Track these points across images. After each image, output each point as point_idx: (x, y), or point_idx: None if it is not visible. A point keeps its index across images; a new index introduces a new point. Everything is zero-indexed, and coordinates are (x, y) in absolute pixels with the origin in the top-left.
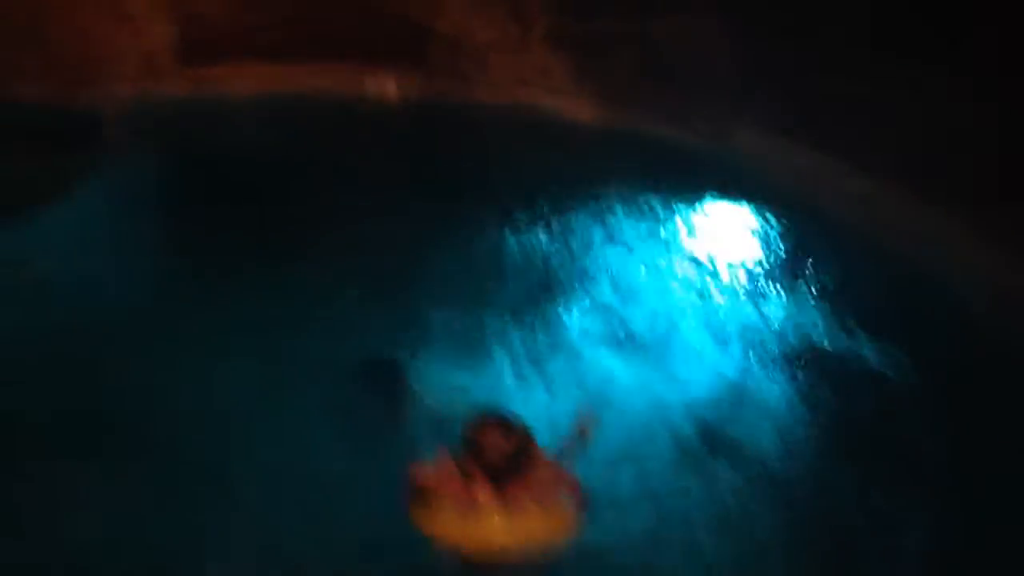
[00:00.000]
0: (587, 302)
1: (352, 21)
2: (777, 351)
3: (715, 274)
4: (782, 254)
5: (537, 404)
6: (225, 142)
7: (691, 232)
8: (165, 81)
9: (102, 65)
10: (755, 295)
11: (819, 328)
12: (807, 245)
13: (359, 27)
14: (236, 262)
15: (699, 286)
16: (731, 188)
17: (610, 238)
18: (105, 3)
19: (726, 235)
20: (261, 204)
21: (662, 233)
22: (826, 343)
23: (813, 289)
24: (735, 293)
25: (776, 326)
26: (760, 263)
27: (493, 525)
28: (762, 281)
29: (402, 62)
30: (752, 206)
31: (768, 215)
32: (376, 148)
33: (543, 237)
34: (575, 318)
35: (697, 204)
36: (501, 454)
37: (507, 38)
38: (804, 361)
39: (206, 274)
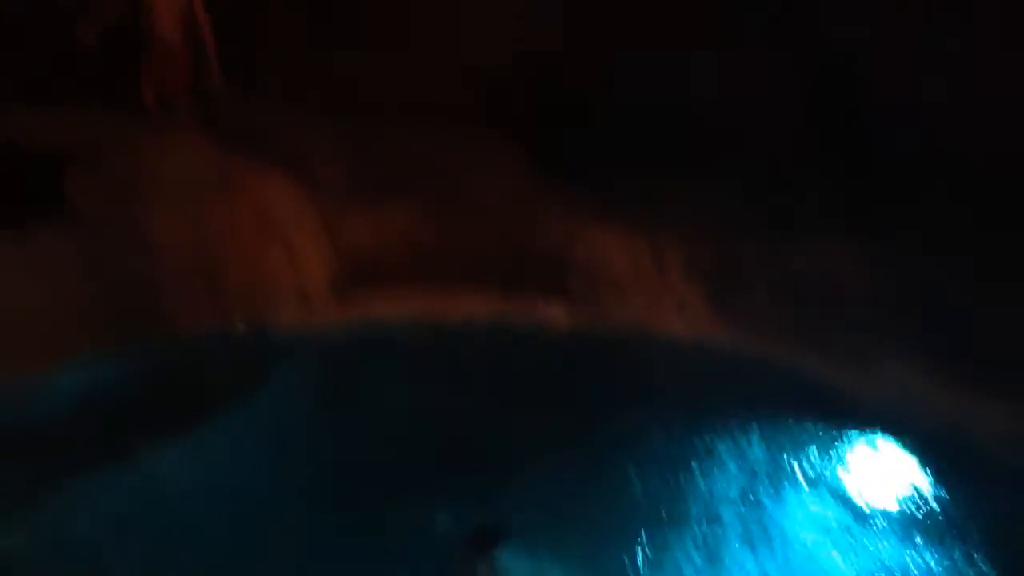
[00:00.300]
0: (721, 540)
1: (497, 253)
2: None
3: (859, 514)
4: (930, 495)
5: None
6: (376, 366)
7: (832, 468)
8: (321, 310)
9: (262, 294)
10: (902, 540)
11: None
12: (957, 486)
13: (503, 258)
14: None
15: (841, 527)
16: (875, 422)
17: (747, 471)
18: (267, 236)
19: (869, 472)
20: (410, 421)
21: (801, 467)
22: None
23: (963, 534)
24: (879, 536)
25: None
26: (907, 504)
27: None
28: (909, 525)
29: (543, 291)
30: (897, 442)
31: (915, 453)
32: (517, 372)
33: (677, 467)
34: (707, 557)
35: (839, 438)
36: None
37: (643, 268)
38: None
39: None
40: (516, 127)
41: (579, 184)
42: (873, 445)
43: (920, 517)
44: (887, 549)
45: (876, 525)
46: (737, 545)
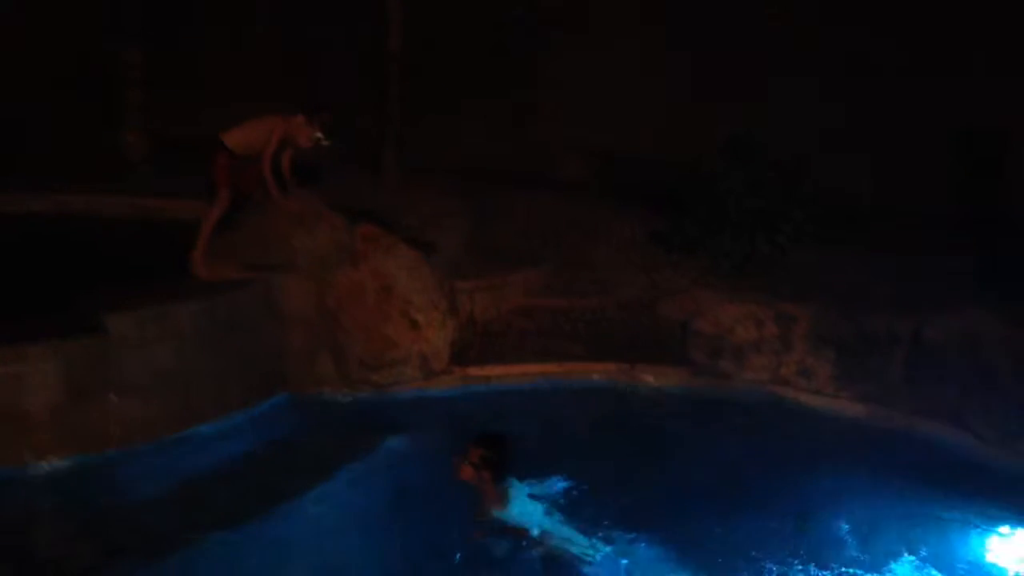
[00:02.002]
0: None
1: (618, 321)
2: None
3: None
4: None
5: None
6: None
7: (978, 549)
8: (440, 378)
9: (386, 365)
10: None
11: None
12: None
13: (625, 326)
14: None
15: None
16: (1014, 497)
17: (885, 549)
18: (394, 311)
19: (1018, 555)
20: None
21: (945, 547)
22: None
23: None
24: None
25: None
26: None
27: None
28: None
29: (666, 360)
30: None
31: None
32: (636, 437)
33: (795, 534)
34: None
35: (983, 517)
36: None
37: (767, 337)
38: None
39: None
40: (639, 200)
41: (700, 254)
42: (1009, 521)
43: None
44: None
45: None
46: None
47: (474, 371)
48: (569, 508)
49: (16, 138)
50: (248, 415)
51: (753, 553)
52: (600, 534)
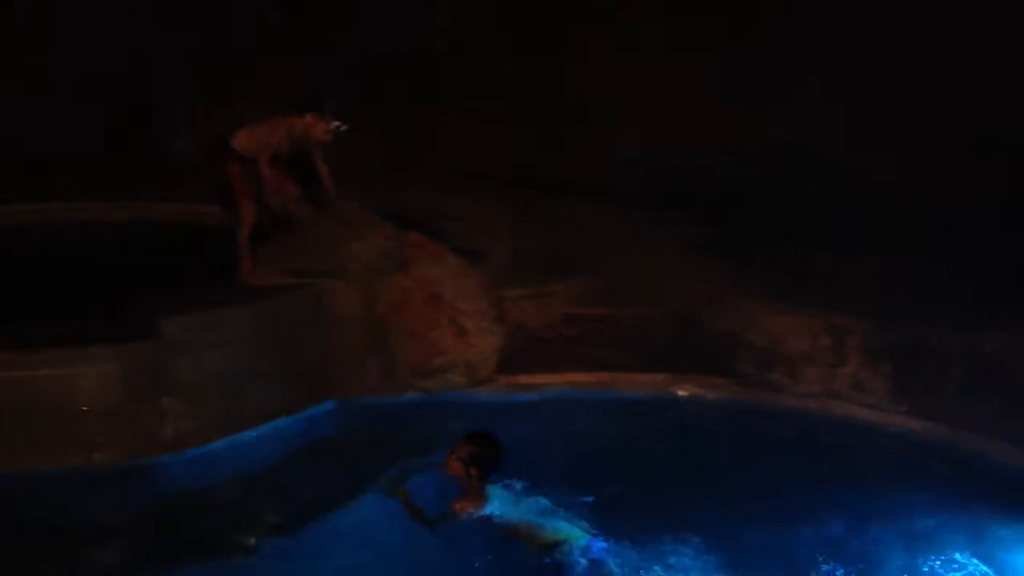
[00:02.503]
0: None
1: (668, 331)
2: None
3: None
4: None
5: None
6: (539, 439)
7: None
8: (487, 385)
9: (433, 371)
10: None
11: None
12: None
13: (672, 336)
14: None
15: None
16: None
17: (939, 566)
18: (442, 318)
19: None
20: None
21: (999, 565)
22: None
23: None
24: None
25: None
26: None
27: None
28: None
29: (714, 370)
30: None
31: None
32: (683, 450)
33: (846, 552)
34: None
35: None
36: None
37: (820, 349)
38: None
39: None
40: (689, 207)
41: (750, 262)
42: None
43: None
44: None
45: None
46: None
47: (521, 379)
48: (601, 518)
49: (67, 141)
50: (297, 419)
51: (802, 570)
52: (635, 546)
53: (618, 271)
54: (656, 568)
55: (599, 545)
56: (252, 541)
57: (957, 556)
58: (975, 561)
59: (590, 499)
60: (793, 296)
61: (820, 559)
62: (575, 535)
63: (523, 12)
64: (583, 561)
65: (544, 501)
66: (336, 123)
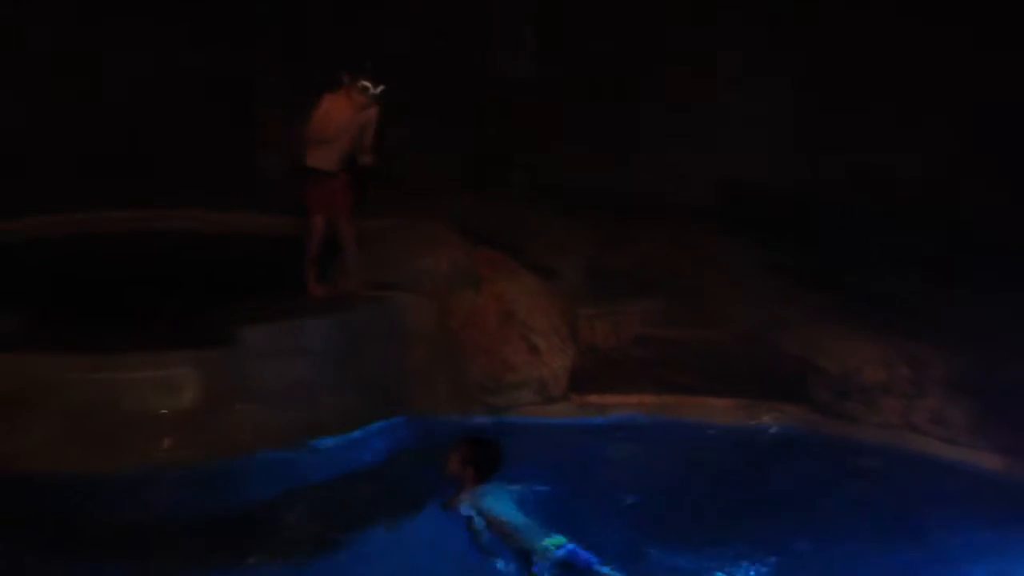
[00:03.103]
0: None
1: (738, 355)
2: None
3: None
4: None
5: None
6: (604, 460)
7: None
8: (558, 404)
9: (504, 388)
10: None
11: None
12: None
13: (744, 361)
14: None
15: None
16: None
17: None
18: (515, 335)
19: None
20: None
21: None
22: None
23: None
24: None
25: None
26: None
27: None
28: None
29: (786, 397)
30: None
31: None
32: (755, 476)
33: None
34: None
35: None
36: None
37: (898, 380)
38: None
39: None
40: (766, 230)
41: (827, 288)
42: None
43: None
44: None
45: None
46: None
47: (592, 399)
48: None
49: (158, 150)
50: (369, 430)
51: None
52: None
53: (692, 293)
54: None
55: (584, 555)
56: (314, 548)
57: None
58: None
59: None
60: (871, 323)
61: None
62: (558, 542)
63: (603, 35)
64: (554, 569)
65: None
66: (367, 85)
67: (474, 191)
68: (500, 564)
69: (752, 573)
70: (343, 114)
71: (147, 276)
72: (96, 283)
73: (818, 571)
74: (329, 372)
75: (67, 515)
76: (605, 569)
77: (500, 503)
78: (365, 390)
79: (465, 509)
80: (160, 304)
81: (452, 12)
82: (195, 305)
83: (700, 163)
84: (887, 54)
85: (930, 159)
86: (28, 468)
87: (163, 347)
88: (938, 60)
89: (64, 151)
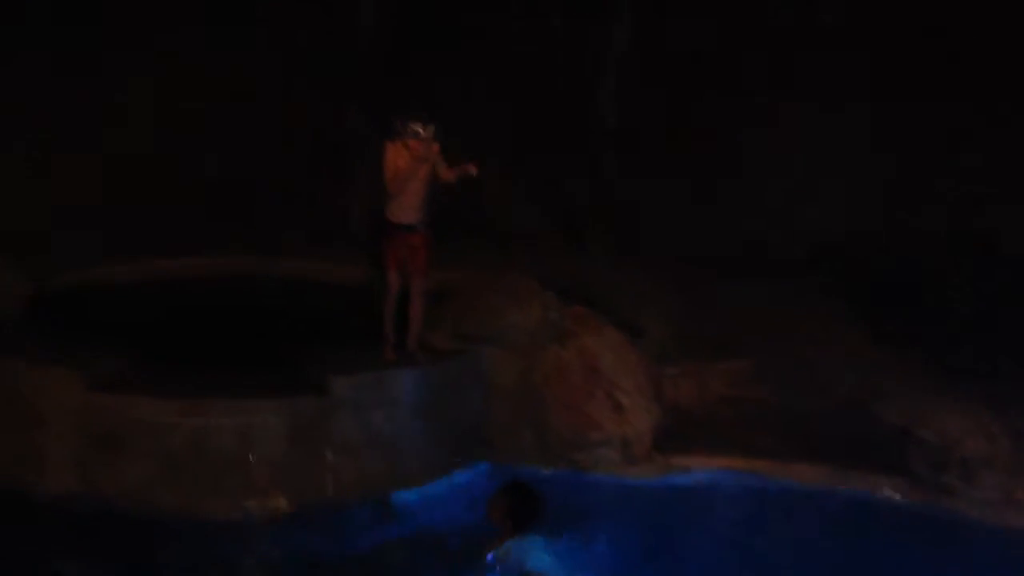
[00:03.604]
0: None
1: (829, 419)
2: None
3: None
4: None
5: None
6: (691, 521)
7: None
8: (641, 464)
9: (588, 445)
10: None
11: None
12: None
13: (836, 426)
14: None
15: None
16: None
17: None
18: (593, 384)
19: None
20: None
21: None
22: None
23: None
24: None
25: None
26: None
27: None
28: None
29: (882, 467)
30: None
31: None
32: (841, 550)
33: None
34: None
35: None
36: None
37: (1000, 453)
38: None
39: None
40: (861, 292)
41: (923, 354)
42: None
43: None
44: None
45: None
46: None
47: (676, 459)
48: None
49: (244, 200)
50: (451, 482)
51: None
52: None
53: (781, 354)
54: None
55: None
56: None
57: None
58: None
59: None
60: (972, 393)
61: None
62: None
63: (694, 91)
64: None
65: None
66: (417, 129)
67: (563, 245)
68: None
69: None
70: (405, 162)
71: (242, 321)
72: (192, 327)
73: None
74: (413, 423)
75: (153, 554)
76: None
77: (542, 562)
78: (449, 440)
79: (506, 570)
80: (253, 350)
81: (551, 67)
82: (287, 352)
83: (791, 221)
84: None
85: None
86: (122, 507)
87: (253, 394)
88: None
89: (167, 195)
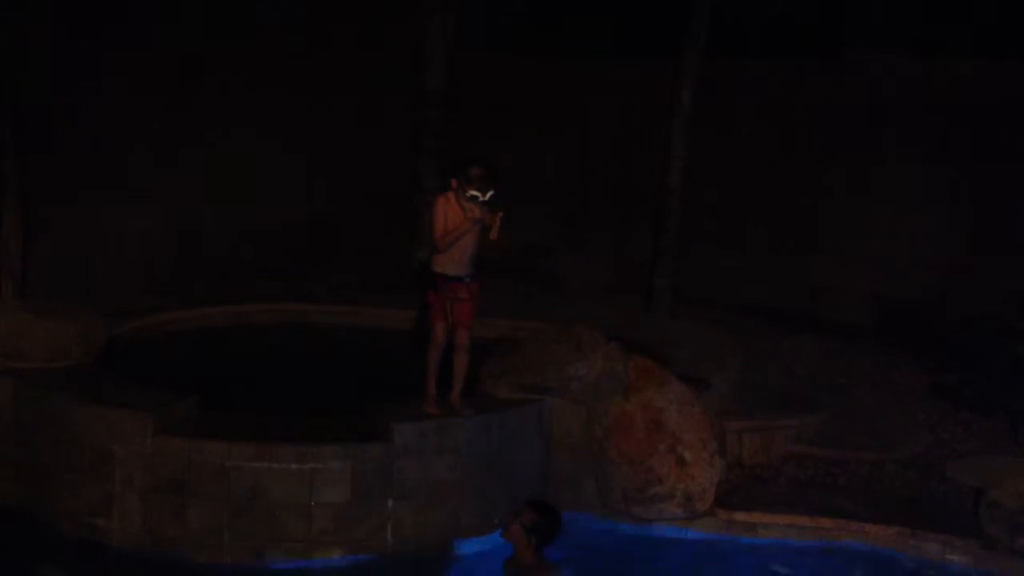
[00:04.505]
0: None
1: (898, 479)
2: None
3: None
4: None
5: None
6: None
7: None
8: (704, 520)
9: (649, 499)
10: None
11: None
12: None
13: (906, 486)
14: None
15: None
16: None
17: None
18: (662, 446)
19: None
20: None
21: None
22: None
23: None
24: None
25: None
26: None
27: None
28: None
29: (954, 529)
30: None
31: None
32: None
33: None
34: None
35: None
36: None
37: None
38: None
39: None
40: (923, 348)
41: (997, 415)
42: None
43: None
44: None
45: None
46: None
47: (740, 516)
48: None
49: (325, 246)
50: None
51: None
52: None
53: (848, 412)
54: None
55: None
56: None
57: None
58: None
59: None
60: None
61: None
62: None
63: (763, 143)
64: None
65: None
66: (474, 193)
67: (626, 297)
68: None
69: None
70: (456, 216)
71: (307, 368)
72: (257, 372)
73: None
74: (474, 473)
75: None
76: None
77: None
78: (509, 492)
79: None
80: (317, 396)
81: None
82: (351, 399)
83: (854, 277)
84: None
85: None
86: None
87: (317, 439)
88: None
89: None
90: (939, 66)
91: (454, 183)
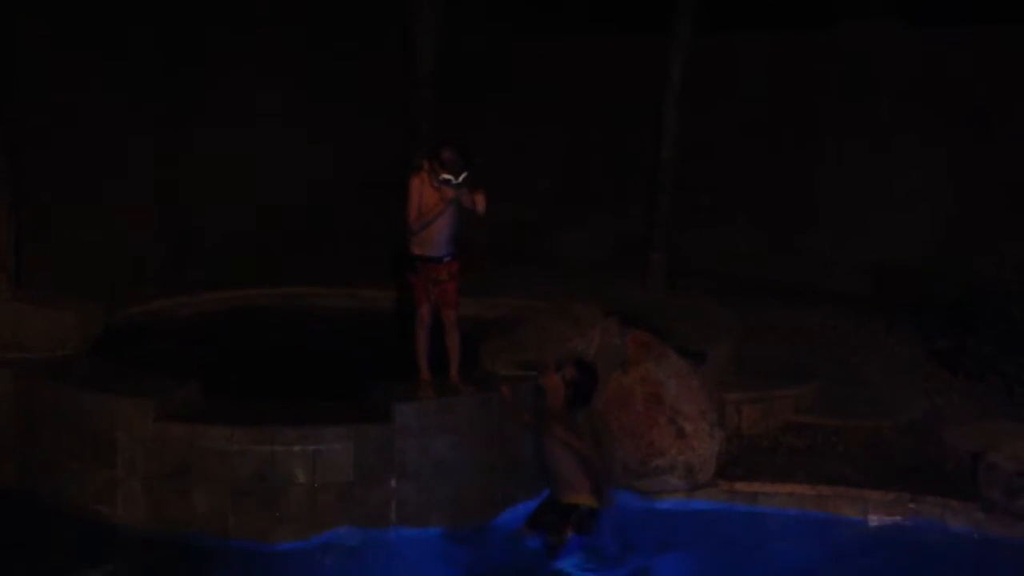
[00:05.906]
0: None
1: (896, 446)
2: None
3: None
4: None
5: None
6: (755, 551)
7: None
8: (706, 491)
9: (651, 472)
10: None
11: None
12: None
13: (904, 452)
14: None
15: None
16: None
17: None
18: (662, 418)
19: None
20: None
21: None
22: None
23: None
24: None
25: None
26: None
27: None
28: None
29: (953, 493)
30: None
31: None
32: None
33: None
34: None
35: None
36: None
37: None
38: None
39: None
40: (919, 315)
41: (991, 378)
42: None
43: None
44: None
45: None
46: None
47: (741, 486)
48: None
49: (323, 233)
50: (514, 511)
51: None
52: None
53: (846, 380)
54: None
55: None
56: None
57: None
58: None
59: None
60: None
61: None
62: None
63: (757, 115)
64: None
65: None
66: (446, 177)
67: (623, 272)
68: None
69: None
70: (431, 197)
71: (306, 351)
72: (256, 357)
73: None
74: (476, 451)
75: None
76: None
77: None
78: (510, 469)
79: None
80: (317, 379)
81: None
82: (351, 381)
83: (852, 247)
84: None
85: None
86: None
87: (319, 421)
88: None
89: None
90: (934, 33)
91: (427, 165)
